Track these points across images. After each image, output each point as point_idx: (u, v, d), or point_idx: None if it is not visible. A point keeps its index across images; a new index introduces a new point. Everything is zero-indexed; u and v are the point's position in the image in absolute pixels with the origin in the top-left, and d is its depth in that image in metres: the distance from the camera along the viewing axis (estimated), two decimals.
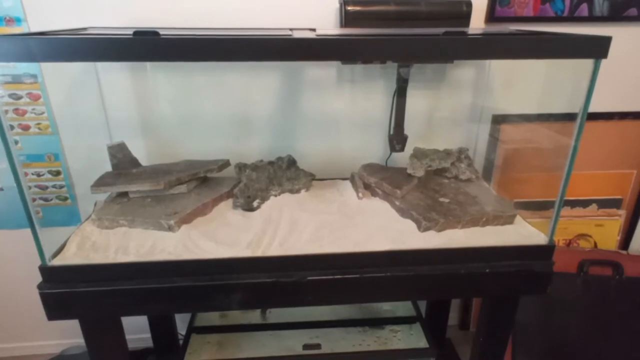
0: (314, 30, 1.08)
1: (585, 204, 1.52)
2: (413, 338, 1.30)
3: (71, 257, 0.92)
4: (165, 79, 1.26)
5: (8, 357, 1.62)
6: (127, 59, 0.74)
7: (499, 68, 1.31)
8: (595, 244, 1.53)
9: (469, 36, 0.82)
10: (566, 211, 1.51)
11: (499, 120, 1.39)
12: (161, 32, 0.75)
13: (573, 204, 1.51)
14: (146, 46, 0.74)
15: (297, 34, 0.90)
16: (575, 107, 0.91)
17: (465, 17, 1.13)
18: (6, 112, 1.26)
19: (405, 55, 0.83)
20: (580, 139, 0.92)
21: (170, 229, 0.99)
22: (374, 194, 1.18)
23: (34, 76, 1.23)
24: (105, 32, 0.91)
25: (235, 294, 0.93)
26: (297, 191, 1.17)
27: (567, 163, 0.94)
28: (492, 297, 1.05)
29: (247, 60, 0.76)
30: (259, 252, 0.94)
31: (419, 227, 1.00)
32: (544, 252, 0.98)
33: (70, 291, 0.89)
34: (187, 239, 0.97)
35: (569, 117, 1.26)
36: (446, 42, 0.79)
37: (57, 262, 0.91)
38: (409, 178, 1.17)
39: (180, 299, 0.93)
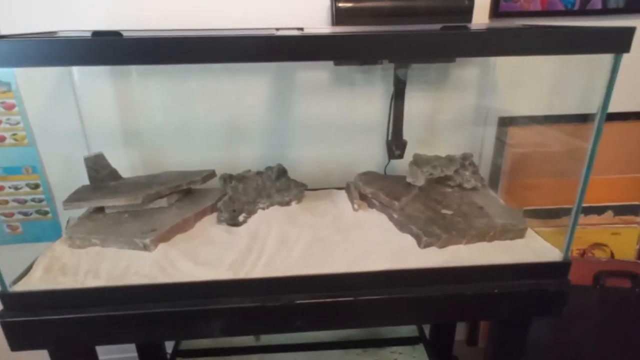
0: (301, 29, 1.00)
1: (600, 210, 1.42)
2: None
3: (36, 281, 0.84)
4: (151, 86, 1.19)
5: None
6: (86, 63, 0.66)
7: (505, 67, 1.22)
8: (612, 253, 1.43)
9: (471, 31, 0.73)
10: (580, 219, 1.39)
11: (506, 122, 1.30)
12: (139, 34, 0.67)
13: (587, 211, 1.41)
14: (106, 48, 0.66)
15: (282, 33, 0.82)
16: (589, 108, 0.82)
17: (467, 12, 1.04)
18: None
19: (398, 53, 0.74)
20: (599, 142, 0.83)
21: (145, 248, 0.90)
22: (371, 205, 1.09)
23: (8, 84, 1.16)
24: (71, 34, 0.83)
25: (216, 320, 0.84)
26: (288, 203, 1.09)
27: (584, 169, 0.85)
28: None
29: (221, 62, 0.68)
30: (242, 274, 0.85)
31: (419, 244, 0.91)
32: (558, 269, 0.89)
33: (34, 319, 0.81)
34: (163, 260, 0.88)
35: (582, 118, 1.17)
36: (445, 38, 0.71)
37: (20, 287, 0.83)
38: (409, 187, 1.08)
39: (155, 326, 0.84)
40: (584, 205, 1.39)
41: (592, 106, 0.81)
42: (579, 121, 1.19)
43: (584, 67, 1.02)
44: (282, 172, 1.14)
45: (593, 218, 1.42)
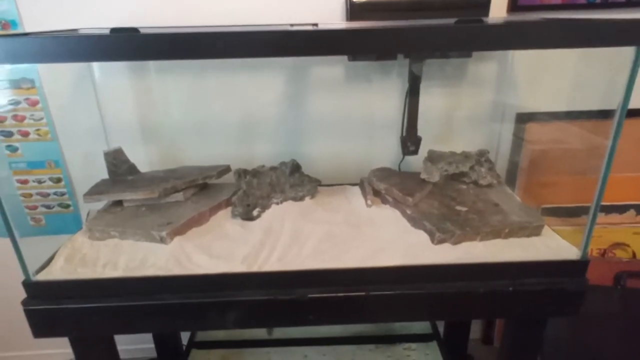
0: (316, 25, 1.00)
1: (621, 209, 1.38)
2: (429, 358, 1.20)
3: (57, 271, 0.87)
4: (168, 83, 1.21)
5: None
6: (105, 59, 0.68)
7: (523, 62, 1.19)
8: (634, 253, 1.39)
9: (488, 24, 0.72)
10: (601, 218, 1.37)
11: (523, 119, 1.27)
12: (156, 30, 0.68)
13: (608, 209, 1.37)
14: (124, 44, 0.68)
15: (296, 29, 0.82)
16: (610, 103, 0.80)
17: (483, 5, 1.03)
18: (5, 118, 1.23)
19: (414, 47, 0.74)
20: (619, 139, 0.80)
21: (162, 240, 0.92)
22: (384, 201, 1.09)
23: (32, 81, 1.20)
24: (91, 32, 0.85)
25: (229, 312, 0.85)
26: (301, 199, 1.09)
27: (603, 166, 0.83)
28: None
29: (236, 57, 0.69)
30: (255, 267, 0.86)
31: (432, 240, 0.90)
32: (576, 268, 0.87)
33: (56, 308, 0.84)
34: (179, 252, 0.90)
35: (603, 114, 1.14)
36: (461, 31, 0.70)
37: (42, 277, 0.86)
38: (423, 184, 1.07)
39: (170, 317, 0.86)
40: (606, 203, 1.36)
41: (614, 102, 0.79)
42: (599, 117, 1.16)
43: (604, 62, 0.99)
44: (296, 167, 1.15)
45: (614, 217, 1.38)
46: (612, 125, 0.80)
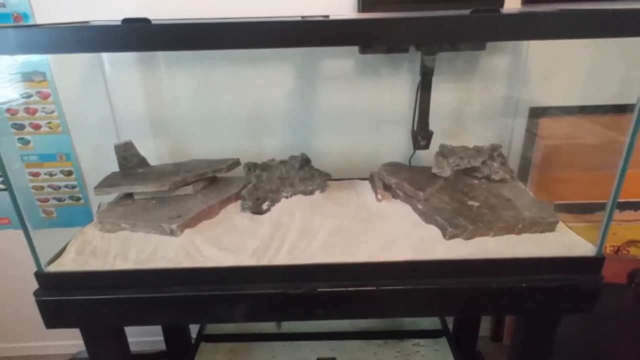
0: (327, 17, 0.99)
1: (636, 206, 1.36)
2: (438, 354, 1.19)
3: (69, 263, 0.88)
4: (178, 76, 1.21)
5: (23, 356, 1.62)
6: (116, 49, 0.68)
7: (537, 55, 1.17)
8: None
9: (503, 13, 0.71)
10: (615, 215, 1.33)
11: (537, 113, 1.25)
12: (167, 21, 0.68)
13: (622, 206, 1.35)
14: (135, 34, 0.67)
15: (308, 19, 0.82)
16: (626, 98, 0.78)
17: None
18: (17, 111, 1.24)
19: (428, 37, 0.72)
20: (638, 135, 0.78)
21: (172, 233, 0.92)
22: (395, 195, 1.08)
23: (43, 74, 1.20)
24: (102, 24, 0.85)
25: (238, 305, 0.85)
26: (311, 192, 1.09)
27: (622, 162, 0.81)
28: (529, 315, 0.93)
29: (248, 47, 0.68)
30: (264, 261, 0.86)
31: (444, 235, 0.89)
32: (591, 264, 0.85)
33: (67, 299, 0.85)
34: (189, 245, 0.90)
35: (618, 109, 1.11)
36: (477, 21, 0.68)
37: (54, 268, 0.87)
38: (434, 178, 1.06)
39: (180, 309, 0.86)
40: (620, 200, 1.33)
41: (630, 96, 0.77)
42: (614, 112, 1.14)
43: (620, 55, 0.96)
44: (305, 161, 1.14)
45: (629, 214, 1.36)
46: (630, 120, 0.78)
